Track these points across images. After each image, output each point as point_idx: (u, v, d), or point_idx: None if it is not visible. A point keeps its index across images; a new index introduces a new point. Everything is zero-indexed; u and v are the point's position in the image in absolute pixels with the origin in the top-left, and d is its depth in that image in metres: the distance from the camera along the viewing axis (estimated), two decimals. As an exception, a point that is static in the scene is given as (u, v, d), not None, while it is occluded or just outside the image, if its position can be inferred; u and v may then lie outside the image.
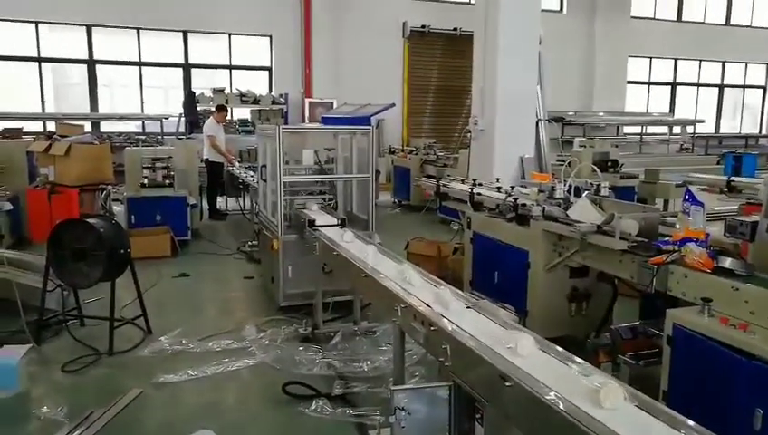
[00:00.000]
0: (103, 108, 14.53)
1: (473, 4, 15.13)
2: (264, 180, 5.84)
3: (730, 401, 2.83)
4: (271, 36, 15.16)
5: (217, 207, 10.75)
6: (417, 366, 4.23)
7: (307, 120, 14.92)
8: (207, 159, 10.36)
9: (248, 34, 15.23)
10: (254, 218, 8.58)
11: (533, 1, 7.49)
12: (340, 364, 4.36)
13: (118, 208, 8.66)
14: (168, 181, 8.14)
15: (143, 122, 14.81)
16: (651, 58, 18.03)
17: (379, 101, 12.60)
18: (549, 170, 7.88)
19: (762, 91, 19.27)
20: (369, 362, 4.37)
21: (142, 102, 14.79)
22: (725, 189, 7.66)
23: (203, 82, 14.96)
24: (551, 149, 8.68)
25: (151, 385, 4.06)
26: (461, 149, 10.28)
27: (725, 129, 19.09)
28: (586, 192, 4.58)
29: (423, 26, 15.89)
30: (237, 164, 10.27)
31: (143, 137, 13.53)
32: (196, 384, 4.11)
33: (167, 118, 14.07)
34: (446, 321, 2.73)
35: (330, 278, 5.05)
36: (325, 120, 13.30)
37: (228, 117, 13.19)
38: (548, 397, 2.00)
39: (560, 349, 2.38)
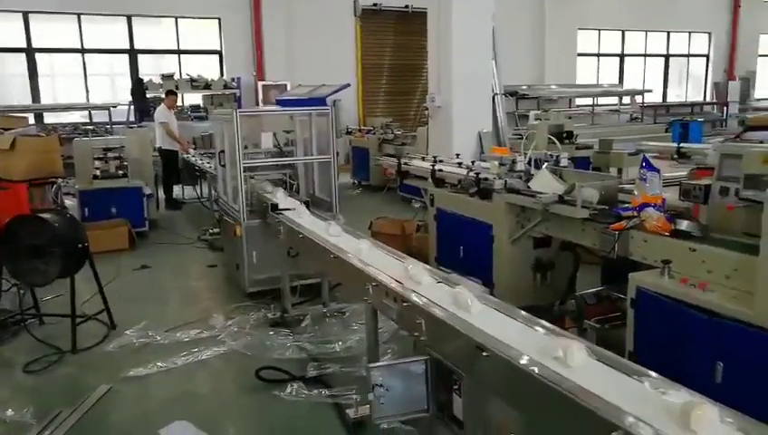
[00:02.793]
0: (45, 99, 13.96)
1: (423, -19, 15.21)
2: (224, 166, 5.74)
3: (693, 357, 2.94)
4: (219, 19, 14.78)
5: (174, 196, 10.51)
6: (388, 344, 4.25)
7: (261, 104, 14.67)
8: (161, 147, 10.11)
9: (196, 17, 14.81)
10: (213, 206, 8.44)
11: (485, -24, 7.49)
12: (312, 347, 4.36)
13: (69, 202, 8.38)
14: (121, 172, 7.92)
15: (89, 112, 14.30)
16: (600, 30, 18.34)
17: (333, 81, 12.40)
18: (507, 144, 7.98)
19: (705, 59, 19.86)
20: (340, 343, 4.39)
21: (87, 91, 14.26)
22: (676, 156, 7.88)
23: (150, 69, 14.52)
24: (507, 123, 8.77)
25: (120, 380, 3.98)
26: (419, 126, 10.27)
27: (672, 97, 19.64)
28: (546, 164, 4.66)
29: (374, 4, 15.75)
30: (193, 151, 10.06)
31: (91, 127, 13.06)
32: (166, 376, 4.05)
33: (114, 107, 13.60)
34: (417, 296, 2.75)
35: (296, 262, 5.02)
36: (280, 103, 13.04)
37: (179, 103, 12.87)
38: (523, 362, 2.05)
39: (525, 314, 2.45)
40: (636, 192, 3.81)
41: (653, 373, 1.90)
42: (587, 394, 1.77)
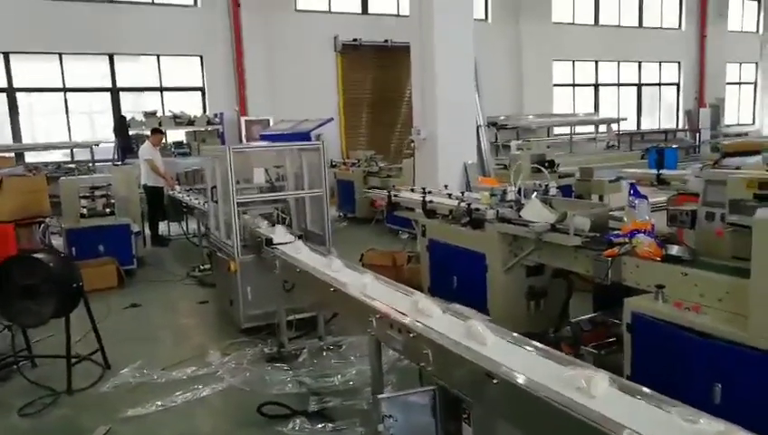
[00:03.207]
0: (25, 138, 13.89)
1: (402, 16, 15.56)
2: (216, 202, 5.77)
3: (690, 379, 3.02)
4: (201, 56, 14.94)
5: (159, 232, 10.48)
6: (388, 376, 4.26)
7: (244, 139, 14.76)
8: (146, 184, 10.10)
9: (178, 55, 14.95)
10: (201, 242, 8.42)
11: (466, 11, 7.72)
12: (311, 381, 4.36)
13: (56, 242, 8.31)
14: (108, 210, 7.91)
15: (71, 150, 14.25)
16: (574, 61, 18.85)
17: (315, 116, 12.63)
18: (492, 175, 8.13)
19: (675, 88, 20.47)
20: (339, 376, 4.39)
21: (69, 130, 14.24)
22: (655, 182, 8.07)
23: (131, 106, 14.56)
24: (491, 153, 8.95)
25: (119, 421, 3.94)
26: (404, 158, 10.43)
27: (646, 125, 20.15)
28: (535, 193, 4.79)
29: (354, 39, 16.04)
30: (178, 187, 10.07)
31: (73, 166, 13.01)
32: (166, 415, 4.02)
33: (97, 144, 13.58)
34: (424, 326, 2.80)
35: (291, 296, 5.04)
36: (264, 138, 13.22)
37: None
38: (536, 391, 2.11)
39: (540, 345, 2.50)
40: (626, 219, 3.94)
41: (678, 402, 1.93)
42: (617, 426, 1.80)
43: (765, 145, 7.53)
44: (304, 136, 11.33)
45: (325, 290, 3.73)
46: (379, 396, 2.68)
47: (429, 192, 6.02)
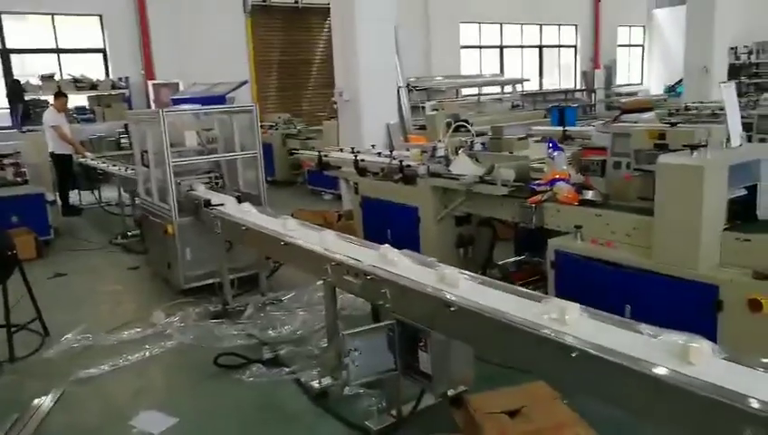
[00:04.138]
0: None
1: (314, -23, 15.39)
2: (147, 166, 5.73)
3: (606, 304, 3.48)
4: (101, 15, 14.14)
5: (71, 202, 10.08)
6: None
7: (153, 104, 14.25)
8: (53, 151, 9.63)
9: (74, 14, 14.07)
10: (124, 210, 8.24)
11: (384, -26, 7.89)
12: (260, 333, 4.57)
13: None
14: (20, 178, 7.57)
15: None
16: (480, 24, 19.42)
17: (226, 79, 12.36)
18: (411, 134, 8.46)
19: (573, 50, 21.60)
20: (287, 327, 4.63)
21: (-45, 96, 13.17)
22: (562, 138, 8.72)
23: (24, 69, 13.60)
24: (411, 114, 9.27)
25: (71, 383, 3.98)
26: (325, 120, 10.55)
27: (547, 85, 21.19)
28: (461, 149, 5.15)
29: (264, 1, 15.73)
30: (90, 154, 9.70)
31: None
32: (120, 374, 4.11)
33: (-10, 111, 12.69)
34: (381, 269, 3.09)
35: (232, 255, 5.19)
36: (176, 102, 12.81)
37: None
38: (489, 313, 2.46)
39: (509, 285, 2.84)
40: (545, 169, 4.39)
41: (639, 323, 2.22)
42: (594, 346, 2.05)
43: (657, 102, 8.33)
44: (219, 99, 11.11)
45: (276, 245, 3.93)
46: (344, 332, 2.95)
47: (358, 152, 6.26)
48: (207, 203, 5.05)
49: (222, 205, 5.04)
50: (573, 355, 2.08)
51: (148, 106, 14.05)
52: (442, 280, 2.80)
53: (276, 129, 11.86)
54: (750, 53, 19.27)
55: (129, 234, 7.67)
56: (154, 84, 14.43)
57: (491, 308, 2.47)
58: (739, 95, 11.43)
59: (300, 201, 9.36)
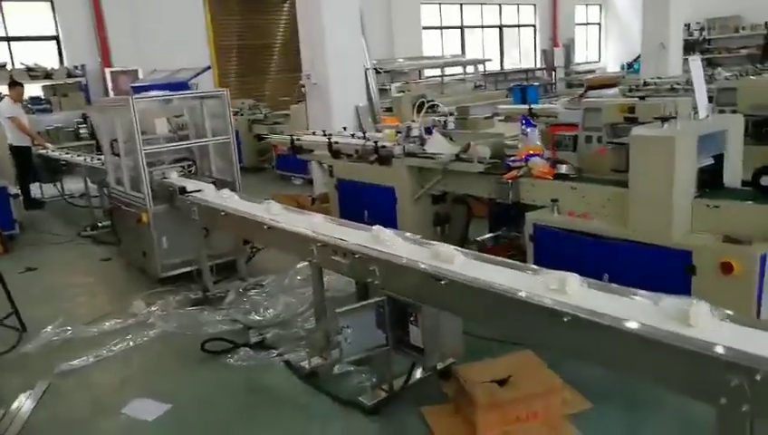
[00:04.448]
0: None
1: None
2: (117, 155, 5.64)
3: (584, 273, 3.62)
4: (52, 1, 13.66)
5: (32, 195, 9.81)
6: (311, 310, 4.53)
7: (111, 92, 13.90)
8: (11, 144, 9.35)
9: (24, 0, 13.58)
10: (90, 202, 8.08)
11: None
12: (244, 317, 4.58)
13: None
14: (-20, 172, 7.35)
15: None
16: (441, 4, 19.44)
17: (186, 65, 12.13)
18: (381, 116, 8.49)
19: (533, 29, 21.83)
20: (271, 311, 4.65)
21: None
22: (528, 116, 8.86)
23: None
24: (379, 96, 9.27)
25: (56, 375, 3.94)
26: (292, 104, 10.47)
27: (508, 65, 21.39)
28: (435, 128, 5.22)
29: (222, -16, 15.44)
30: (51, 145, 9.45)
31: None
32: (105, 364, 4.08)
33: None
34: (369, 248, 3.15)
35: (208, 242, 5.17)
36: (136, 90, 12.52)
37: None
38: (481, 284, 2.54)
39: (503, 259, 2.88)
40: (519, 145, 4.49)
41: (637, 290, 2.26)
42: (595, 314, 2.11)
43: (619, 79, 8.54)
44: (183, 85, 10.95)
45: (259, 229, 3.95)
46: (336, 310, 3.01)
47: (331, 135, 6.27)
48: (183, 190, 5.01)
49: (199, 191, 5.01)
50: (573, 323, 2.14)
51: (106, 94, 13.69)
52: (437, 257, 2.83)
53: (241, 114, 11.73)
54: (702, 29, 19.80)
55: (99, 225, 7.53)
56: (112, 72, 14.06)
57: (486, 282, 2.52)
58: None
59: (270, 187, 9.32)
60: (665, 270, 3.27)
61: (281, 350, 4.01)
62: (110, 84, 14.01)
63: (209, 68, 12.36)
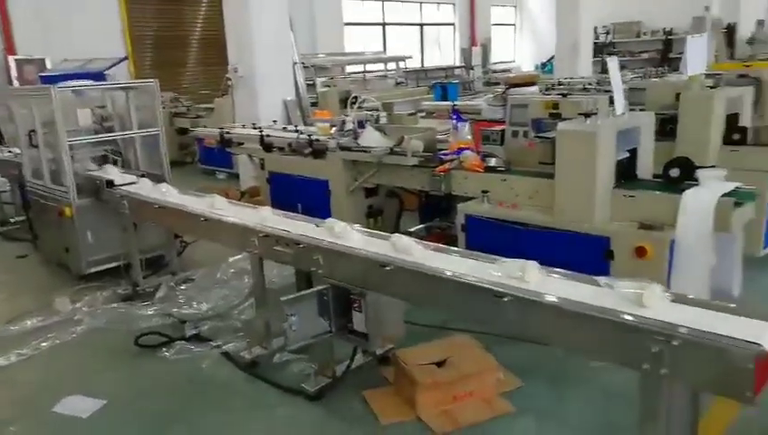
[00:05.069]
0: None
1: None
2: (36, 147, 5.38)
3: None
4: (-55, -17, 12.71)
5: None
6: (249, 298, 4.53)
7: (16, 82, 13.09)
8: None
9: None
10: (1, 197, 7.61)
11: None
12: (178, 311, 4.51)
13: None
14: None
15: None
16: (363, 0, 19.57)
17: (98, 56, 11.66)
18: (309, 111, 8.50)
19: (452, 27, 22.37)
20: (204, 304, 4.61)
21: None
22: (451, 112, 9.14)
23: None
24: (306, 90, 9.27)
25: (-24, 377, 3.76)
26: (217, 98, 10.26)
27: (428, 63, 21.81)
28: (368, 122, 5.32)
29: (136, -29, 14.86)
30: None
31: None
32: (32, 362, 3.93)
33: None
34: (313, 237, 3.21)
35: (137, 235, 5.04)
36: (45, 80, 11.86)
37: None
38: (427, 269, 2.67)
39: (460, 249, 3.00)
40: (451, 139, 4.68)
41: (594, 277, 2.35)
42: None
43: (538, 77, 8.97)
44: (99, 76, 10.48)
45: (195, 222, 3.91)
46: (283, 298, 3.05)
47: (261, 128, 6.24)
48: (111, 183, 4.86)
49: (132, 184, 4.87)
50: (541, 309, 2.27)
51: (10, 83, 12.87)
52: (395, 248, 2.86)
53: (163, 107, 11.34)
54: (608, 32, 20.99)
55: (10, 221, 7.13)
56: (16, 60, 13.24)
57: (442, 269, 2.61)
58: (602, 72, 12.54)
59: (194, 181, 9.07)
60: (587, 255, 3.52)
61: (218, 342, 3.99)
62: (14, 73, 13.20)
63: (126, 59, 11.99)
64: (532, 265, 2.44)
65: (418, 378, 3.20)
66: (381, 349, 3.61)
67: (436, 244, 2.99)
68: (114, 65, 11.26)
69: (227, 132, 6.36)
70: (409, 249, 2.81)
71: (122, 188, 4.78)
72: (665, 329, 1.96)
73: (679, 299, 2.16)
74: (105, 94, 5.84)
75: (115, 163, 5.59)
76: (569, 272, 2.48)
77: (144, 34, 15.60)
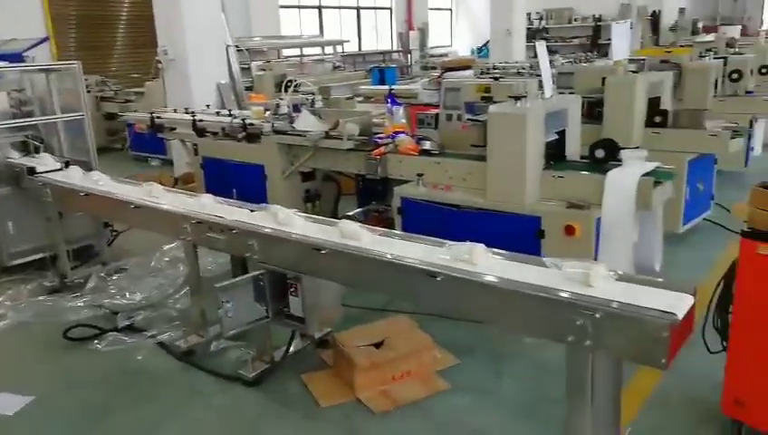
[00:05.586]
0: None
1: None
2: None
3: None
4: None
5: None
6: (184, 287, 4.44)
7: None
8: None
9: None
10: None
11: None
12: (110, 302, 4.38)
13: None
14: None
15: None
16: (298, -18, 19.28)
17: (17, 36, 11.05)
18: (244, 94, 8.34)
19: (389, 12, 22.34)
20: (138, 294, 4.48)
21: None
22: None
23: None
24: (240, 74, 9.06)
25: None
26: (148, 81, 9.90)
27: (365, 47, 21.75)
28: (304, 106, 5.27)
29: (56, -54, 14.09)
30: None
31: None
32: (-50, 360, 3.73)
33: None
34: (245, 222, 3.17)
35: (63, 225, 4.84)
36: (-42, 61, 11.16)
37: None
38: (354, 248, 2.68)
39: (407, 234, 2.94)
40: (386, 123, 4.70)
41: (539, 258, 2.39)
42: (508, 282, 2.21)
43: (474, 62, 9.09)
44: (16, 57, 9.94)
45: (125, 210, 3.79)
46: (217, 285, 3.01)
47: (194, 112, 6.08)
48: (32, 170, 4.64)
49: (59, 170, 4.66)
50: (475, 288, 2.29)
51: None
52: (343, 235, 2.82)
53: (88, 91, 10.87)
54: (541, 18, 21.47)
55: None
56: None
57: (399, 255, 2.58)
58: (535, 56, 12.87)
59: (125, 168, 8.79)
60: (519, 235, 3.62)
61: (153, 332, 3.90)
62: None
63: (47, 39, 11.37)
64: (480, 248, 2.45)
65: (356, 360, 3.23)
66: (319, 332, 3.61)
67: (383, 229, 2.99)
68: (33, 46, 10.63)
69: (158, 117, 6.17)
70: (357, 235, 2.79)
71: (46, 175, 4.56)
72: (590, 303, 2.04)
73: (624, 278, 2.18)
74: (24, 77, 5.55)
75: (36, 150, 5.32)
76: (516, 254, 2.48)
77: (66, 13, 14.83)
